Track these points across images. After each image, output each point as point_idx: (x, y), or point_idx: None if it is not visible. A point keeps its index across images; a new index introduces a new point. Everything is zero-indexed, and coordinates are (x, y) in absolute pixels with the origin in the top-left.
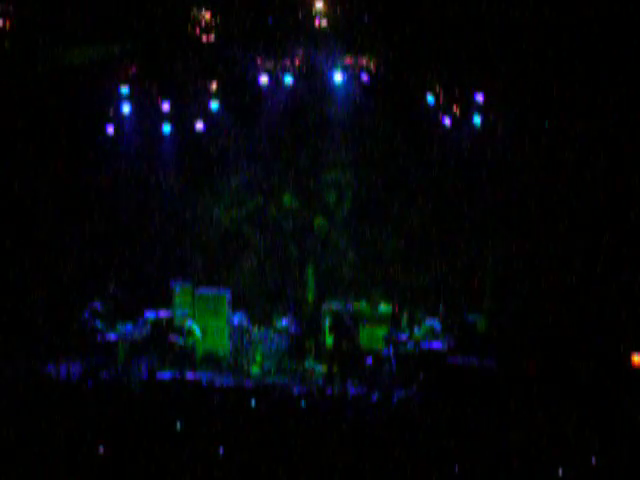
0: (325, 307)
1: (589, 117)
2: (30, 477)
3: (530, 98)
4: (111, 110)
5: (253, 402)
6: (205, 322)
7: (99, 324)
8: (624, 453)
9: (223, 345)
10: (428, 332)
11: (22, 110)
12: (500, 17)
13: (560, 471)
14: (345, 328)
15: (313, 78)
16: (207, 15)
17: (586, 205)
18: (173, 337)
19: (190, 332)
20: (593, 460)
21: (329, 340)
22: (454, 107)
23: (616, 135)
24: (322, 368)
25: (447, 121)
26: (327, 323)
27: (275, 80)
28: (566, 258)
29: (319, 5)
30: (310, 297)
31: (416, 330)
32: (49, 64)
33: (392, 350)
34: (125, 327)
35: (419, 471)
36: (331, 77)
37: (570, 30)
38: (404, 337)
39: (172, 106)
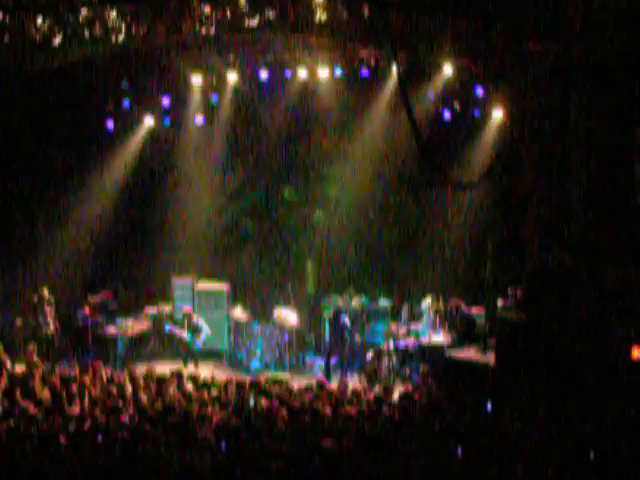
0: (325, 301)
1: (590, 115)
2: (31, 474)
3: (531, 97)
4: (111, 105)
5: (253, 396)
6: (205, 316)
7: (99, 318)
8: (624, 447)
9: (223, 339)
10: (428, 326)
11: (22, 105)
12: (501, 12)
13: (558, 467)
14: (342, 326)
15: (313, 72)
16: (207, 9)
17: (586, 199)
18: (176, 331)
19: (198, 329)
20: (592, 455)
21: (328, 335)
22: (454, 101)
23: (617, 133)
24: (322, 362)
25: (447, 115)
26: (327, 318)
27: (275, 74)
28: (565, 251)
29: None
30: (310, 291)
31: (416, 324)
32: (49, 60)
33: (392, 344)
34: (125, 322)
35: (420, 466)
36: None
37: (572, 27)
38: (404, 331)
39: (172, 100)
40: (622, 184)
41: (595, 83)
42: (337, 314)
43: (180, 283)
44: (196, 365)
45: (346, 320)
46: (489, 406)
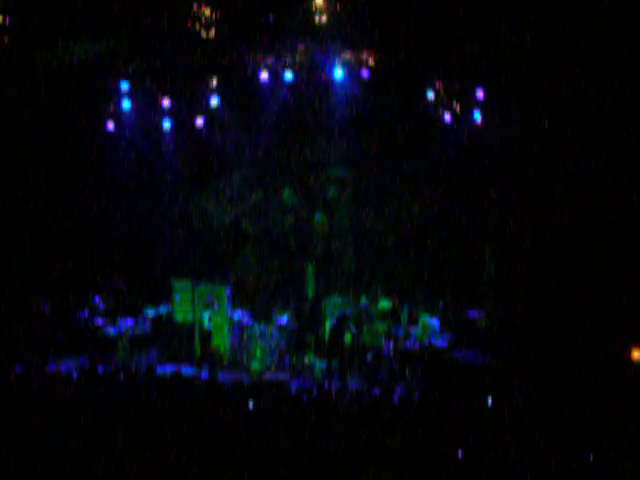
0: (325, 303)
1: (589, 116)
2: (31, 474)
3: (531, 97)
4: (111, 106)
5: (253, 397)
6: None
7: (100, 320)
8: (623, 449)
9: (223, 341)
10: (428, 328)
11: (22, 106)
12: (501, 13)
13: (555, 466)
14: (344, 331)
15: (313, 74)
16: (207, 11)
17: (586, 201)
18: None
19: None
20: (591, 457)
21: (329, 336)
22: (454, 103)
23: (617, 134)
24: (322, 364)
25: (447, 117)
26: (328, 323)
27: (275, 76)
28: (565, 253)
29: (319, 1)
30: (310, 293)
31: (416, 326)
32: (49, 60)
33: (392, 346)
34: (125, 323)
35: (420, 467)
36: (331, 73)
37: (572, 26)
38: (404, 333)
39: (172, 102)
40: None
41: None
42: (341, 320)
43: (180, 284)
44: (195, 367)
45: (352, 327)
46: (490, 402)
